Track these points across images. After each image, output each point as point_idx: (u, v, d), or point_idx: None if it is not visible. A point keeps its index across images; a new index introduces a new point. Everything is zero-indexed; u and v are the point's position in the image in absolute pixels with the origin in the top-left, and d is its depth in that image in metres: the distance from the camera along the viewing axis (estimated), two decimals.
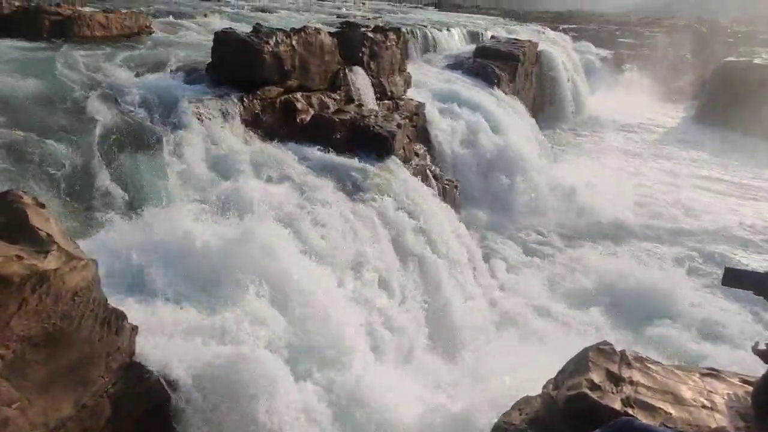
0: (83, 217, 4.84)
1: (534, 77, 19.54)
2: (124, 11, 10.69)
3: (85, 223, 4.79)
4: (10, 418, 2.74)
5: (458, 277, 7.64)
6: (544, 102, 20.68)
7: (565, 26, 32.90)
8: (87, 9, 10.07)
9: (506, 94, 15.30)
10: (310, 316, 4.59)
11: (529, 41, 19.43)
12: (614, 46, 28.89)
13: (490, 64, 15.66)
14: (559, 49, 23.36)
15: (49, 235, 2.97)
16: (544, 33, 25.64)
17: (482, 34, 20.86)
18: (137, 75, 7.38)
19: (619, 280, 9.03)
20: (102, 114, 5.98)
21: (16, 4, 9.14)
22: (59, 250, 2.95)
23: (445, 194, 9.61)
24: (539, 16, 41.57)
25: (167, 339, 3.80)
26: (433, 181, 9.39)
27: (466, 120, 12.46)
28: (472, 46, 17.93)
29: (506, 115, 13.82)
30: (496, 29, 23.24)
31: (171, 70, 7.88)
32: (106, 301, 3.38)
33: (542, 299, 8.66)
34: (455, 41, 19.00)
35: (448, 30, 19.31)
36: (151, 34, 10.55)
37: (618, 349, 3.75)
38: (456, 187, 10.33)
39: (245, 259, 4.55)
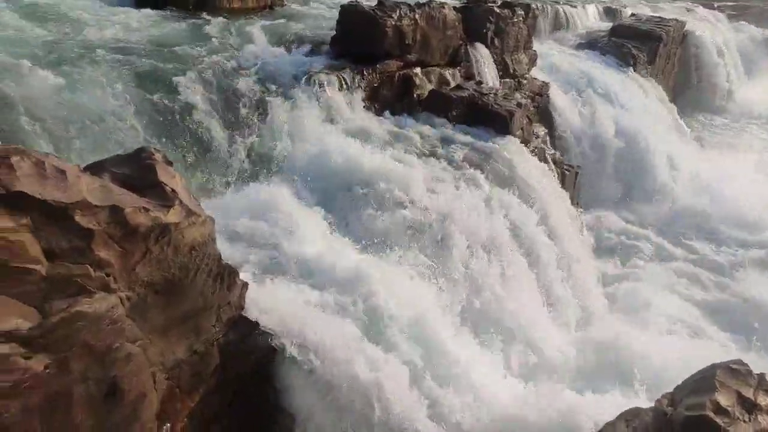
0: (202, 176, 5.14)
1: (677, 60, 17.70)
2: None
3: (204, 182, 5.09)
4: (132, 354, 3.01)
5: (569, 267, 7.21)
6: (688, 87, 18.66)
7: (721, 4, 29.30)
8: None
9: (643, 76, 14.03)
10: None
11: (675, 20, 17.57)
12: None
13: (627, 44, 14.42)
14: (710, 28, 20.88)
15: (173, 191, 3.17)
16: (694, 11, 23.03)
17: (621, 11, 19.19)
18: (265, 44, 7.68)
19: None
20: (226, 82, 6.29)
21: None
22: (181, 205, 3.14)
23: (564, 180, 9.06)
24: None
25: (277, 299, 3.94)
26: (552, 165, 8.89)
27: (594, 103, 11.62)
28: (609, 24, 16.60)
29: (641, 100, 12.68)
30: (637, 6, 21.28)
31: (297, 42, 8.12)
32: (220, 257, 3.57)
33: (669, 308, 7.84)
34: (590, 18, 17.69)
35: (582, 6, 18.02)
36: (282, 6, 10.95)
37: (756, 372, 3.25)
38: (577, 173, 9.71)
39: None
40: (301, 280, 4.20)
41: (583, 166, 10.16)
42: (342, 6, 8.09)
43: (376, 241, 5.07)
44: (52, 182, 2.66)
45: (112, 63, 5.78)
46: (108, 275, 2.79)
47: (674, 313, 7.57)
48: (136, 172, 3.26)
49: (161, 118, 5.36)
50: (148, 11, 8.56)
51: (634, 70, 13.75)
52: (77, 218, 2.65)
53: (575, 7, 17.50)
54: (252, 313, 3.81)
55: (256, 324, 3.79)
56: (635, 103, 12.29)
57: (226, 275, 3.63)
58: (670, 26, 16.24)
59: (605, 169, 11.08)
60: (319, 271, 4.31)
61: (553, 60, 12.72)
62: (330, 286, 4.19)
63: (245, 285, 3.86)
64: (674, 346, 6.28)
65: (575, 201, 9.09)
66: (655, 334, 6.79)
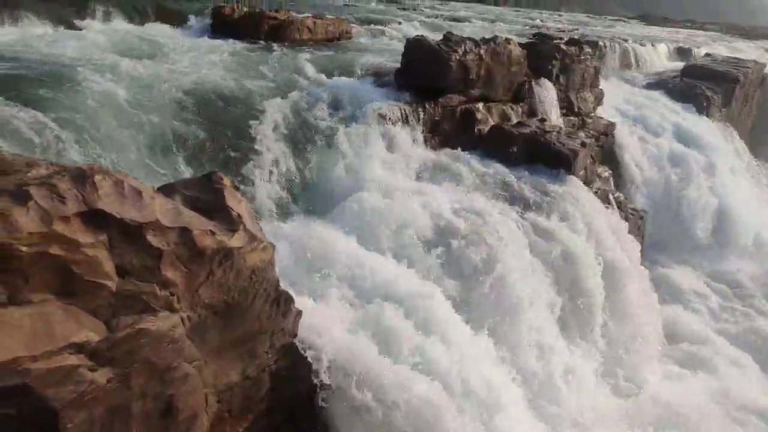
0: (262, 200, 5.27)
1: (756, 103, 16.90)
2: (330, 17, 11.61)
3: (264, 207, 5.22)
4: (189, 375, 3.07)
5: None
6: (767, 132, 17.72)
7: None
8: (299, 15, 11.10)
9: (717, 119, 13.45)
10: None
11: (754, 61, 16.85)
12: None
13: (700, 85, 13.91)
14: None
15: (239, 215, 3.26)
16: None
17: (694, 51, 18.62)
18: (330, 75, 7.90)
19: None
20: (292, 110, 6.47)
21: (245, 10, 10.42)
22: (245, 230, 3.22)
23: (628, 223, 8.72)
24: None
25: (331, 331, 3.95)
26: (616, 209, 8.59)
27: (662, 146, 11.23)
28: (681, 64, 16.10)
29: (714, 145, 12.12)
30: (713, 46, 20.59)
31: (361, 73, 8.31)
32: (278, 283, 3.62)
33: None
34: (660, 58, 17.25)
35: (652, 45, 17.61)
36: (350, 38, 11.31)
37: None
38: (642, 218, 9.34)
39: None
40: (362, 315, 4.19)
41: (650, 211, 9.76)
42: (408, 39, 8.23)
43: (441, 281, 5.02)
44: (129, 202, 2.79)
45: (186, 88, 6.08)
46: (172, 295, 2.88)
47: None
48: (205, 195, 3.38)
49: (228, 143, 5.57)
50: (222, 41, 9.06)
51: (708, 113, 13.22)
52: (149, 238, 2.76)
53: (644, 45, 17.14)
54: (305, 341, 3.82)
55: (308, 352, 3.80)
56: (709, 145, 11.76)
57: (282, 301, 3.67)
58: (748, 67, 15.59)
59: (676, 216, 10.59)
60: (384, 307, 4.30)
61: (621, 99, 12.43)
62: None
63: (299, 312, 3.88)
64: None
65: (641, 248, 8.69)
66: None
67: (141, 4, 10.57)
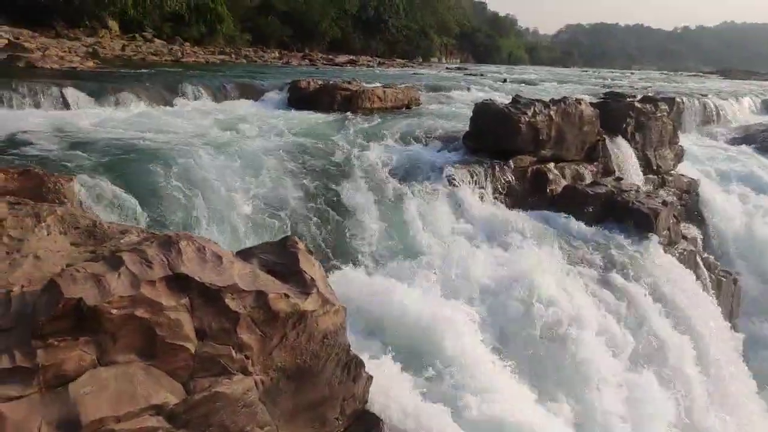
0: (331, 265, 5.35)
1: None
2: (399, 86, 12.07)
3: (333, 271, 5.29)
4: None
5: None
6: None
7: None
8: (369, 85, 11.63)
9: None
10: None
11: None
12: None
13: None
14: None
15: (312, 279, 3.32)
16: None
17: None
18: (400, 141, 8.12)
19: None
20: (363, 176, 6.68)
21: (319, 82, 11.06)
22: (318, 293, 3.26)
23: (719, 288, 8.09)
24: None
25: (404, 400, 3.84)
26: (705, 271, 8.01)
27: (754, 201, 10.49)
28: None
29: None
30: None
31: (431, 138, 8.48)
32: (349, 347, 3.60)
33: None
34: (745, 112, 16.47)
35: (735, 99, 16.88)
36: (419, 105, 11.65)
37: None
38: (735, 281, 8.64)
39: None
40: (438, 382, 4.07)
41: (744, 274, 9.03)
42: (476, 104, 8.37)
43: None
44: (210, 266, 2.91)
45: (269, 157, 6.44)
46: (247, 358, 2.93)
47: None
48: (280, 258, 3.47)
49: (305, 207, 5.78)
50: (299, 112, 9.63)
51: None
52: (227, 301, 2.85)
53: (726, 99, 16.47)
54: (375, 408, 3.73)
55: (379, 420, 3.70)
56: None
57: (353, 366, 3.63)
58: None
59: None
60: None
61: (704, 156, 11.87)
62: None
63: (370, 378, 3.82)
64: None
65: (733, 314, 8.00)
66: None
67: (226, 83, 11.47)
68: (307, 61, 33.32)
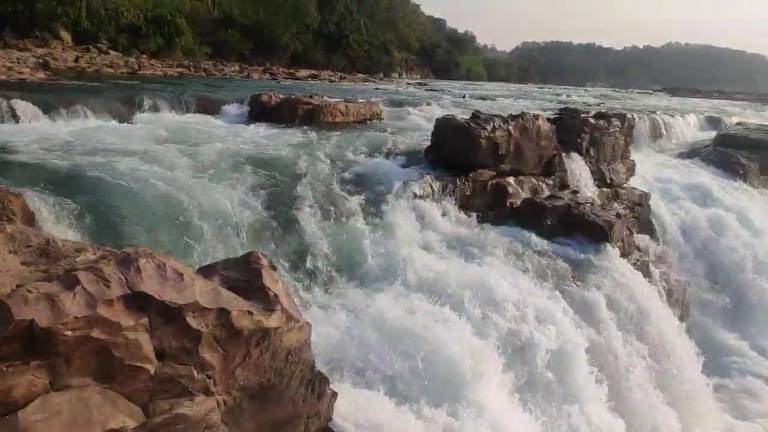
0: (296, 281, 5.29)
1: None
2: (361, 100, 12.16)
3: (297, 287, 5.24)
4: None
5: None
6: None
7: None
8: (332, 99, 11.66)
9: (755, 187, 13.18)
10: None
11: None
12: None
13: (735, 153, 13.77)
14: None
15: (276, 295, 3.28)
16: None
17: (724, 120, 18.61)
18: (362, 154, 8.14)
19: None
20: (325, 190, 6.64)
21: (281, 96, 11.02)
22: (282, 310, 3.22)
23: (671, 295, 8.41)
24: None
25: (371, 416, 3.82)
26: (657, 280, 8.32)
27: (700, 214, 10.99)
28: (712, 133, 16.07)
29: (755, 212, 11.82)
30: (743, 115, 20.57)
31: (393, 152, 8.54)
32: (314, 364, 3.57)
33: None
34: (690, 128, 17.28)
35: (681, 116, 17.70)
36: (381, 120, 11.74)
37: None
38: (685, 289, 8.99)
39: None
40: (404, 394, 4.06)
41: (692, 281, 9.42)
42: (437, 119, 8.49)
43: None
44: (171, 283, 2.84)
45: (227, 171, 6.35)
46: (209, 377, 2.86)
47: None
48: (243, 275, 3.42)
49: (262, 223, 5.71)
50: (259, 126, 9.54)
51: (745, 181, 12.99)
52: (188, 319, 2.79)
53: (673, 116, 17.24)
54: (340, 426, 3.69)
55: None
56: (749, 215, 11.48)
57: (318, 383, 3.59)
58: None
59: (717, 286, 10.20)
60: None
61: (653, 169, 12.37)
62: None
63: (334, 394, 3.78)
64: None
65: (685, 321, 8.32)
66: None
67: (184, 96, 11.29)
68: (268, 75, 33.17)
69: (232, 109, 11.05)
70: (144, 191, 5.24)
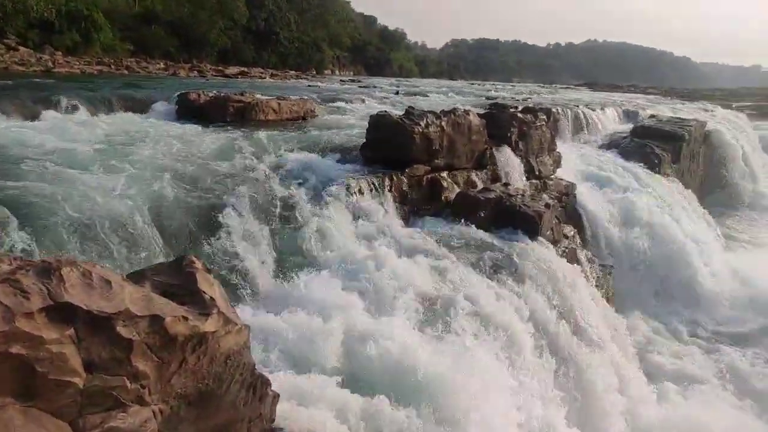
0: (228, 282, 5.18)
1: (702, 158, 17.91)
2: (294, 98, 12.00)
3: (231, 288, 5.12)
4: None
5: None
6: (714, 185, 18.70)
7: (740, 104, 30.13)
8: (264, 97, 11.43)
9: (668, 175, 14.14)
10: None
11: (695, 120, 18.02)
12: None
13: (650, 144, 14.73)
14: (731, 127, 21.28)
15: (212, 298, 3.19)
16: (713, 112, 23.65)
17: (640, 113, 19.82)
18: (296, 153, 8.05)
19: None
20: (257, 189, 6.50)
21: (210, 94, 10.69)
22: (219, 313, 3.14)
23: (597, 280, 8.88)
24: (708, 95, 38.69)
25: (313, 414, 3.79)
26: (585, 265, 8.76)
27: (621, 202, 11.67)
28: (629, 126, 17.08)
29: (667, 199, 12.69)
30: (656, 108, 21.98)
31: (327, 149, 8.51)
32: (254, 366, 3.50)
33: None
34: (610, 121, 18.27)
35: (601, 109, 18.68)
36: (314, 117, 11.65)
37: None
38: (610, 273, 9.53)
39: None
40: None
41: (617, 266, 9.99)
42: (372, 116, 8.54)
43: None
44: (98, 292, 2.70)
45: (147, 172, 6.10)
46: (143, 387, 2.74)
47: None
48: (176, 279, 3.30)
49: (196, 226, 5.53)
50: (188, 125, 9.20)
51: (659, 170, 13.90)
52: (119, 328, 2.66)
53: (594, 110, 18.16)
54: (284, 427, 3.65)
55: None
56: (663, 201, 12.31)
57: (259, 385, 3.53)
58: (691, 126, 16.64)
59: (637, 269, 10.87)
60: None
61: (578, 161, 13.01)
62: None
63: (276, 396, 3.73)
64: None
65: (612, 302, 8.81)
66: None
67: (106, 96, 10.74)
68: (195, 72, 32.09)
69: (159, 107, 10.60)
70: (53, 196, 4.93)
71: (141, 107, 10.51)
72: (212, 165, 6.85)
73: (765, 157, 21.33)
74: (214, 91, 11.33)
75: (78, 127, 8.13)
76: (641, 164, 13.77)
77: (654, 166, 13.95)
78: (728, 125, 21.20)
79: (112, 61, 31.71)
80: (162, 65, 34.85)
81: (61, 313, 2.53)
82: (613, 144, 15.16)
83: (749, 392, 8.17)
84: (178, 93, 10.80)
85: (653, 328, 9.97)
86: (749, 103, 31.98)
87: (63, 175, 5.45)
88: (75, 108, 9.43)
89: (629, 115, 19.42)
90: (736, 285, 11.25)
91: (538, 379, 5.56)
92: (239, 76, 32.13)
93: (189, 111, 10.11)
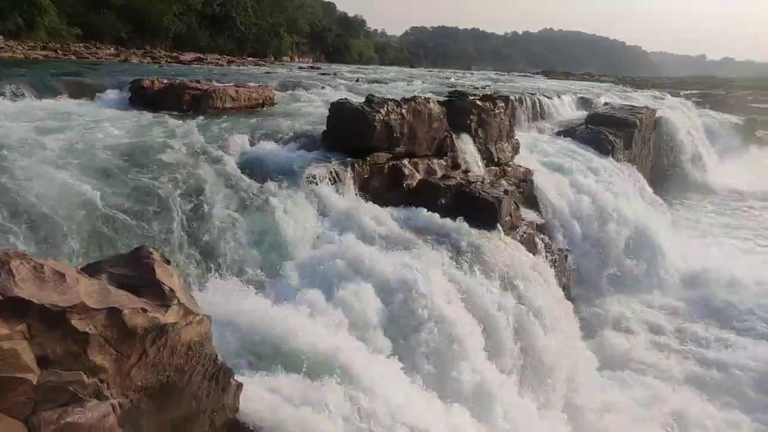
0: (192, 275, 5.09)
1: (652, 144, 18.59)
2: (252, 85, 11.78)
3: (195, 280, 5.05)
4: None
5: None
6: (664, 170, 19.45)
7: (687, 92, 31.35)
8: (221, 84, 11.17)
9: (620, 161, 14.62)
10: None
11: (646, 107, 18.65)
12: (746, 112, 26.95)
13: (604, 131, 15.15)
14: (679, 114, 22.12)
15: (171, 290, 3.14)
16: (663, 99, 24.50)
17: (594, 101, 20.36)
18: (255, 141, 7.92)
19: None
20: (214, 178, 6.38)
21: (165, 81, 10.37)
22: (179, 305, 3.10)
23: (554, 264, 9.14)
24: (658, 83, 40.04)
25: (276, 403, 3.79)
26: (542, 250, 9.00)
27: (577, 187, 12.00)
28: (584, 113, 17.53)
29: (621, 184, 13.14)
30: (609, 96, 22.60)
31: (288, 138, 8.39)
32: (216, 356, 3.47)
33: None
34: (566, 108, 18.70)
35: (558, 97, 19.09)
36: (273, 105, 11.46)
37: None
38: (566, 257, 9.81)
39: None
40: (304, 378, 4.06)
41: (573, 250, 10.29)
42: (332, 103, 8.47)
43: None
44: (51, 285, 2.63)
45: (96, 161, 5.90)
46: (102, 381, 2.69)
47: None
48: (134, 271, 3.23)
49: (151, 216, 5.39)
50: (140, 113, 8.87)
51: (613, 156, 14.35)
52: (73, 322, 2.59)
53: (551, 98, 18.54)
54: (247, 416, 3.63)
55: (252, 429, 3.61)
56: (617, 186, 12.73)
57: (221, 376, 3.50)
58: (642, 113, 17.20)
59: (592, 252, 11.23)
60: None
61: (535, 147, 13.28)
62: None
63: (240, 386, 3.71)
64: None
65: (568, 286, 9.10)
66: None
67: (53, 81, 10.28)
68: (149, 58, 31.00)
69: (110, 95, 10.19)
70: (4, 188, 4.73)
71: (91, 93, 10.09)
72: (166, 155, 6.63)
73: (707, 143, 22.33)
74: (170, 78, 11.00)
75: (22, 114, 7.76)
76: (596, 151, 14.19)
77: (607, 152, 14.40)
78: (677, 113, 22.05)
79: (59, 46, 30.32)
80: (113, 51, 33.53)
81: (12, 307, 2.45)
82: (569, 131, 15.54)
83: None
84: (131, 80, 10.43)
85: (605, 309, 10.32)
86: (696, 91, 33.30)
87: (5, 164, 5.21)
88: (19, 93, 9.00)
89: (584, 103, 19.93)
90: (684, 265, 11.77)
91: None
92: (195, 63, 31.22)
93: (142, 99, 9.77)
